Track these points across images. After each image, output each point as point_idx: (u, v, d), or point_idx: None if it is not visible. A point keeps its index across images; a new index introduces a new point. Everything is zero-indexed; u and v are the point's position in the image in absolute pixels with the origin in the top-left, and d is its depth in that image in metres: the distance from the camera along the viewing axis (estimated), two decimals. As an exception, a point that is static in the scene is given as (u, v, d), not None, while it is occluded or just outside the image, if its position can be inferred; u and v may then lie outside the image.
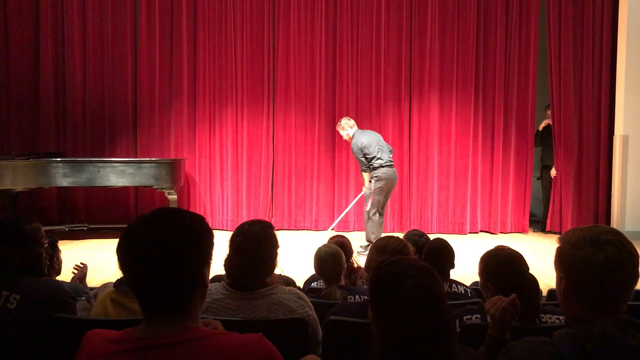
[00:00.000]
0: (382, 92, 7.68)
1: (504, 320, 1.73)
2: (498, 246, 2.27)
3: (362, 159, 6.21)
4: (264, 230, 2.12)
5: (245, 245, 2.06)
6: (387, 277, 1.36)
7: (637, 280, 1.36)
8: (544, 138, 7.74)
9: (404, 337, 1.24)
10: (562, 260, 1.40)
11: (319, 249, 2.93)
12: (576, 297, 1.36)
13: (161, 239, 1.21)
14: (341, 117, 7.75)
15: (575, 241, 1.37)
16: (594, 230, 1.37)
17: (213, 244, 1.32)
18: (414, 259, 1.43)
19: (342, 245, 3.15)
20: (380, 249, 2.36)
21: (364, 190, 6.36)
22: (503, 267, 2.11)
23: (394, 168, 6.31)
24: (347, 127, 6.49)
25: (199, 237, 1.27)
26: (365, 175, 6.27)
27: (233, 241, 2.10)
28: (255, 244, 2.07)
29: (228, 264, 2.09)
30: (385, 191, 6.22)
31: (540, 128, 7.72)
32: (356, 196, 7.11)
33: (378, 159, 6.15)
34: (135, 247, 1.23)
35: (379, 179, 6.14)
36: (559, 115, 7.51)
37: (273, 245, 2.14)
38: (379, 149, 6.20)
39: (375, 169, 6.15)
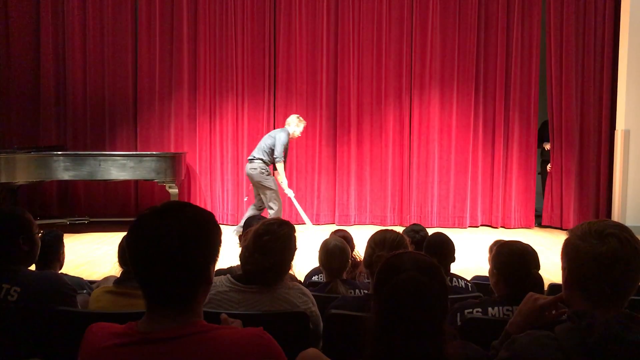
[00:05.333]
0: (383, 86, 7.67)
1: (529, 318, 1.61)
2: (516, 240, 2.29)
3: None
4: (290, 234, 2.14)
5: (272, 246, 2.06)
6: (386, 268, 1.39)
7: (639, 274, 1.36)
8: (544, 136, 7.74)
9: (392, 328, 1.28)
10: (567, 251, 1.41)
11: (327, 242, 2.91)
12: (578, 288, 1.37)
13: (173, 231, 1.21)
14: (342, 111, 7.79)
15: (581, 233, 1.38)
16: (601, 224, 1.38)
17: (221, 242, 1.32)
18: (421, 254, 1.43)
19: (345, 240, 3.14)
20: (380, 242, 2.35)
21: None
22: (512, 258, 2.14)
23: (248, 164, 6.25)
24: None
25: (209, 233, 1.28)
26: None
27: (259, 239, 2.09)
28: (281, 247, 2.09)
29: (248, 259, 2.08)
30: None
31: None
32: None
33: None
34: (145, 237, 1.23)
35: None
36: (560, 110, 7.50)
37: (294, 250, 2.17)
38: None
39: None
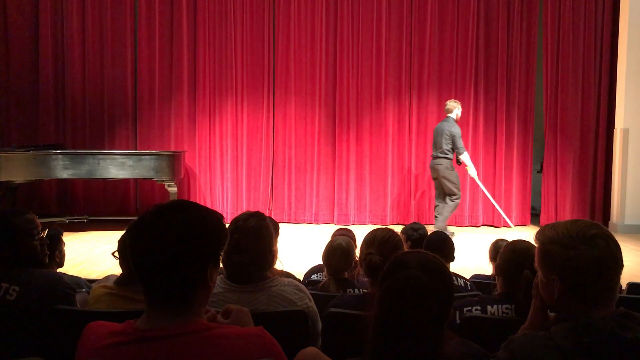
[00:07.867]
0: (382, 84, 7.66)
1: (534, 321, 1.61)
2: (523, 240, 2.28)
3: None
4: (259, 224, 2.09)
5: (243, 242, 2.04)
6: (393, 265, 1.39)
7: (622, 267, 1.37)
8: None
9: (389, 324, 1.29)
10: (553, 261, 1.37)
11: (333, 240, 2.90)
12: (573, 295, 1.35)
13: (173, 231, 1.22)
14: (341, 110, 7.82)
15: (563, 239, 1.35)
16: (579, 226, 1.36)
17: (224, 244, 1.31)
18: (432, 255, 1.42)
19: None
20: (369, 241, 2.35)
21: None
22: (510, 257, 2.14)
23: (433, 160, 6.80)
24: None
25: (210, 236, 1.27)
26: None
27: (230, 239, 2.08)
28: (253, 241, 2.05)
29: (227, 261, 2.07)
30: None
31: None
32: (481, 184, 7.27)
33: None
34: (146, 235, 1.23)
35: None
36: (557, 108, 7.51)
37: (270, 237, 2.12)
38: None
39: None
